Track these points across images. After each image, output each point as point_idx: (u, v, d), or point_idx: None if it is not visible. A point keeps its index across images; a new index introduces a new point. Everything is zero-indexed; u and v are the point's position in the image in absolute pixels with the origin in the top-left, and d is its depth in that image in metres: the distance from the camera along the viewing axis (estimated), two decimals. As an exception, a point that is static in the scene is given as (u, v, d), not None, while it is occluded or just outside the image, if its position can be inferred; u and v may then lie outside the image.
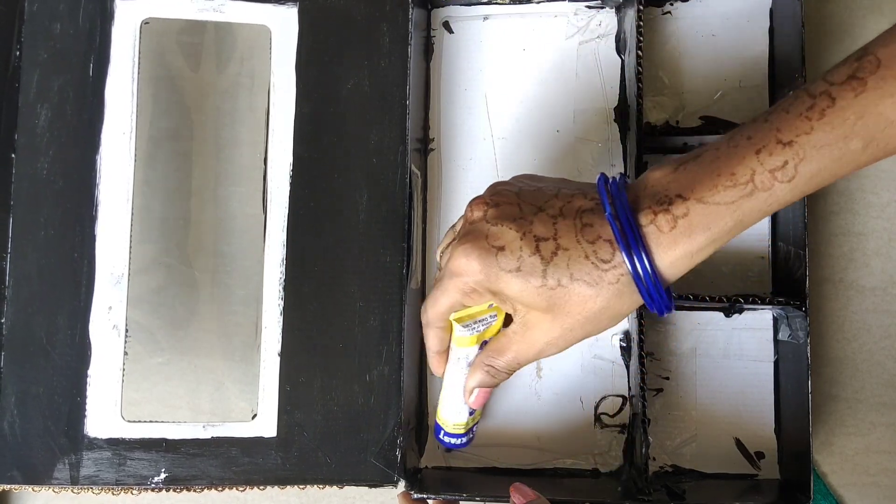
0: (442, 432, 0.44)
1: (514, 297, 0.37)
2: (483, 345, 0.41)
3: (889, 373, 0.51)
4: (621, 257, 0.35)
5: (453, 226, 0.43)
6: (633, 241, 0.35)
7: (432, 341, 0.42)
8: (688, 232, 0.34)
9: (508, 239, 0.36)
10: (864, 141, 0.32)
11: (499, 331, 0.40)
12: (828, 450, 0.51)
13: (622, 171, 0.51)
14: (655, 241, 0.35)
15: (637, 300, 0.36)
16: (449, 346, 0.42)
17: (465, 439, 0.45)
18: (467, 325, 0.40)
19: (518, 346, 0.39)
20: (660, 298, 0.36)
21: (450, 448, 0.47)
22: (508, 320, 0.40)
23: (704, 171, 0.35)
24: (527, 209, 0.37)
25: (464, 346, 0.40)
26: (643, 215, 0.35)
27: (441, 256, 0.43)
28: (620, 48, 0.52)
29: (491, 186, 0.40)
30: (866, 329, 0.52)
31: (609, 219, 0.35)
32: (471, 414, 0.43)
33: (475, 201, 0.39)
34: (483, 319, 0.40)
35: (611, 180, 0.37)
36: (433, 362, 0.44)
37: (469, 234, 0.38)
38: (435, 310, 0.40)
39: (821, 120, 0.32)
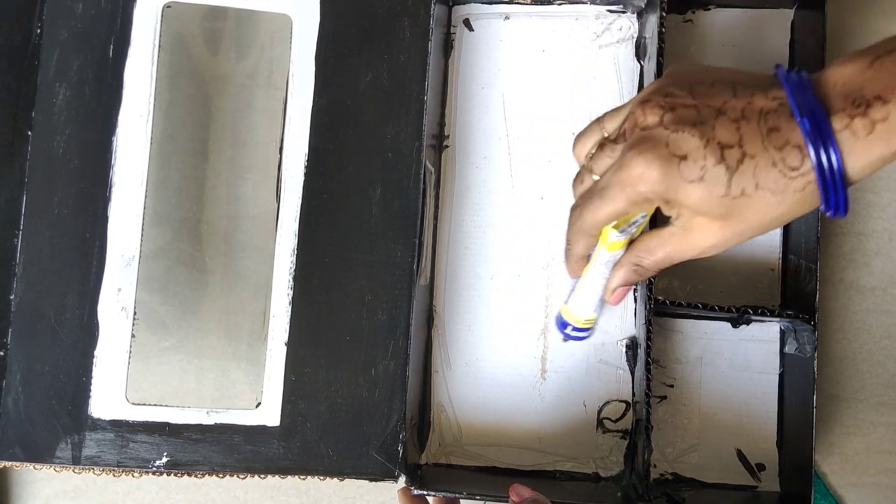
0: (570, 328, 0.44)
1: (693, 206, 0.35)
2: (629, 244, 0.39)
3: (889, 373, 0.51)
4: (811, 164, 0.33)
5: (599, 120, 0.39)
6: (828, 147, 0.32)
7: (580, 247, 0.40)
8: (886, 137, 0.32)
9: (691, 147, 0.34)
10: None
11: (645, 229, 0.39)
12: (828, 450, 0.51)
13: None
14: (849, 147, 0.32)
15: (814, 205, 0.34)
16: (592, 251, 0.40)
17: (589, 333, 0.44)
18: (623, 231, 0.38)
19: (674, 247, 0.37)
20: (844, 203, 0.33)
21: (573, 340, 0.46)
22: (653, 216, 0.38)
23: None
24: (706, 112, 0.35)
25: (615, 249, 0.39)
26: (837, 119, 0.32)
27: (590, 158, 0.39)
28: (640, 54, 0.52)
29: (659, 83, 0.37)
30: (866, 329, 0.52)
31: (802, 125, 0.33)
32: (601, 311, 0.43)
33: (648, 104, 0.36)
34: (636, 221, 0.39)
35: (794, 76, 0.34)
36: (574, 267, 0.41)
37: (646, 140, 0.35)
38: (595, 218, 0.37)
39: None
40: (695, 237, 0.36)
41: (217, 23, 0.50)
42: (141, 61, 0.48)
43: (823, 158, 0.33)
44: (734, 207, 0.34)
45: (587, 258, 0.41)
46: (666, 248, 0.37)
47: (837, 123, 0.33)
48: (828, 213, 0.34)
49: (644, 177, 0.35)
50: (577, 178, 0.40)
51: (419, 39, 0.48)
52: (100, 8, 0.48)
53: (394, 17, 0.49)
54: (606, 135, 0.39)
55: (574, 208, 0.39)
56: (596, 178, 0.38)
